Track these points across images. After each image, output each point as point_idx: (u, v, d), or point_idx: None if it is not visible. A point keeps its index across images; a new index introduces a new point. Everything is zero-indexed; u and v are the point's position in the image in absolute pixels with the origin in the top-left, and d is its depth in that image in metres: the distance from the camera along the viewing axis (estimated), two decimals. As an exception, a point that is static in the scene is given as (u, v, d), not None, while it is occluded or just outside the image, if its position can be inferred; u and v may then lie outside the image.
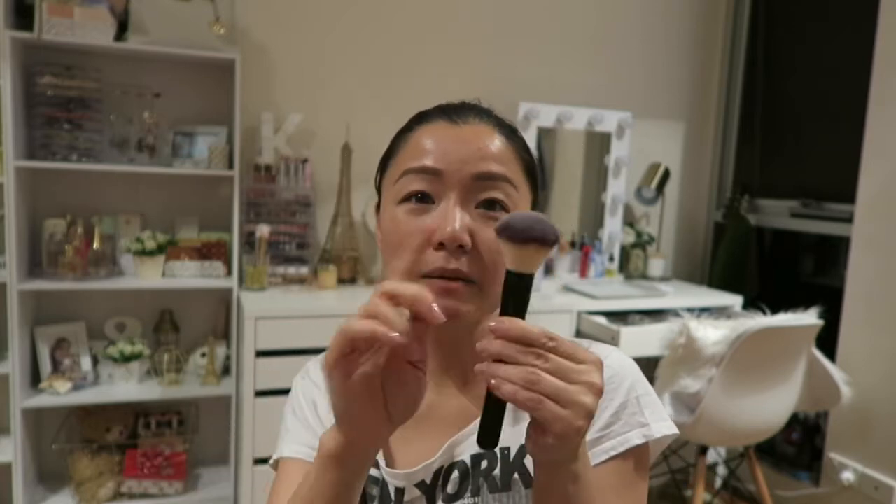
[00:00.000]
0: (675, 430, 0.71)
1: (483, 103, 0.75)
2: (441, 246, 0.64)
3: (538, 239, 0.54)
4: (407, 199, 0.67)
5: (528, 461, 0.69)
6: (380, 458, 0.71)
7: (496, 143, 0.68)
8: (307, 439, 0.73)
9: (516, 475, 0.69)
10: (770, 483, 2.43)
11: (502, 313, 0.55)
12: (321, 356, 0.76)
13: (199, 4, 2.21)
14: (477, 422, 0.65)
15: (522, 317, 0.54)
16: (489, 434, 0.55)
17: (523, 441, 0.67)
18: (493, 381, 0.51)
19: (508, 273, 0.55)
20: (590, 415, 0.51)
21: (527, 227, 0.54)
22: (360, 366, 0.52)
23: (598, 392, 0.52)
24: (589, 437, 0.69)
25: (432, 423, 0.72)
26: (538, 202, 0.75)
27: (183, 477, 2.31)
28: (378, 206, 0.76)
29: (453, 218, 0.64)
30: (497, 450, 0.69)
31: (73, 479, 2.24)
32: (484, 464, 0.69)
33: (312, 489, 0.58)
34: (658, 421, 0.71)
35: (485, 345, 0.52)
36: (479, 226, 0.65)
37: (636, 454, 0.69)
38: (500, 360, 0.52)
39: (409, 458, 0.71)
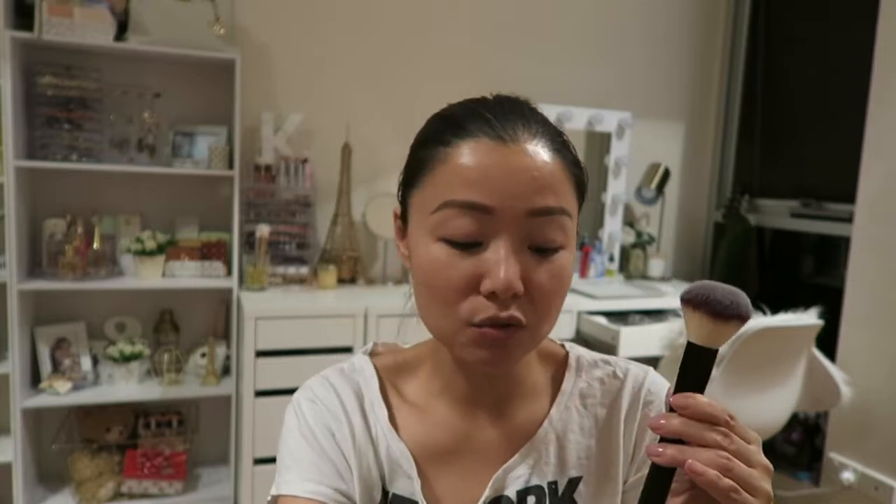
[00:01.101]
0: None
1: (517, 95, 0.66)
2: (492, 294, 0.57)
3: (743, 316, 0.50)
4: (450, 239, 0.58)
5: (578, 495, 0.67)
6: (420, 498, 0.64)
7: (550, 166, 0.59)
8: (326, 476, 0.63)
9: None
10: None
11: (679, 388, 0.50)
12: (324, 375, 0.70)
13: (199, 4, 2.21)
14: (519, 455, 0.66)
15: (702, 392, 0.50)
16: None
17: (572, 475, 0.67)
18: (693, 466, 0.47)
19: (692, 346, 0.51)
20: (769, 502, 0.49)
21: (731, 304, 0.49)
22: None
23: (771, 473, 0.50)
24: (635, 477, 0.68)
25: (470, 456, 0.67)
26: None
27: (183, 477, 2.31)
28: (402, 219, 0.67)
29: (507, 266, 0.57)
30: (545, 484, 0.66)
31: (73, 479, 2.24)
32: (531, 500, 0.66)
33: None
34: None
35: (662, 422, 0.49)
36: (532, 268, 0.58)
37: None
38: (678, 439, 0.49)
39: (452, 496, 0.66)
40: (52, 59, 2.17)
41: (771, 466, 0.50)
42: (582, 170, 0.64)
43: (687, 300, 0.51)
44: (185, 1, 2.20)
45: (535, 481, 0.66)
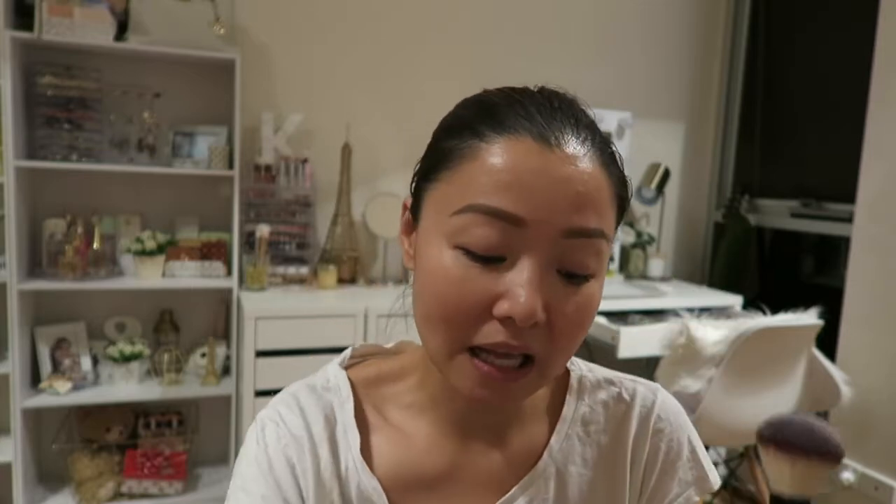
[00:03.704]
0: (719, 480, 0.66)
1: (565, 91, 0.57)
2: (508, 319, 0.49)
3: (826, 453, 0.42)
4: (469, 249, 0.50)
5: None
6: None
7: (596, 181, 0.51)
8: None
9: None
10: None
11: None
12: (293, 393, 0.61)
13: (199, 4, 2.21)
14: (515, 491, 0.59)
15: None
16: None
17: None
18: None
19: (776, 500, 0.43)
20: None
21: (812, 440, 0.41)
22: None
23: None
24: None
25: (458, 488, 0.59)
26: None
27: (183, 477, 2.31)
28: (412, 212, 0.58)
29: (531, 290, 0.49)
30: None
31: (73, 479, 2.24)
32: None
33: None
34: (712, 470, 0.65)
35: None
36: (558, 296, 0.50)
37: None
38: None
39: None
40: (52, 59, 2.17)
41: None
42: (627, 189, 0.56)
43: (762, 437, 0.43)
44: (185, 1, 2.20)
45: None
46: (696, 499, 0.63)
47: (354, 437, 0.58)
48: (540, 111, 0.51)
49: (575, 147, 0.51)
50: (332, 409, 0.59)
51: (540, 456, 0.61)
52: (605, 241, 0.52)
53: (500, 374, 0.50)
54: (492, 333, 0.50)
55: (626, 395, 0.64)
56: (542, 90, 0.55)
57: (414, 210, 0.57)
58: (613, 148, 0.55)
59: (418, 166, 0.57)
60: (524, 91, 0.54)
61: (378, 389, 0.62)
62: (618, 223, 0.56)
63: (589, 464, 0.61)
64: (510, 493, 0.59)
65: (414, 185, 0.58)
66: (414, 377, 0.61)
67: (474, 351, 0.51)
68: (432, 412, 0.60)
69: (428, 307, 0.52)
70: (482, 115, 0.53)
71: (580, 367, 0.66)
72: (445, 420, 0.60)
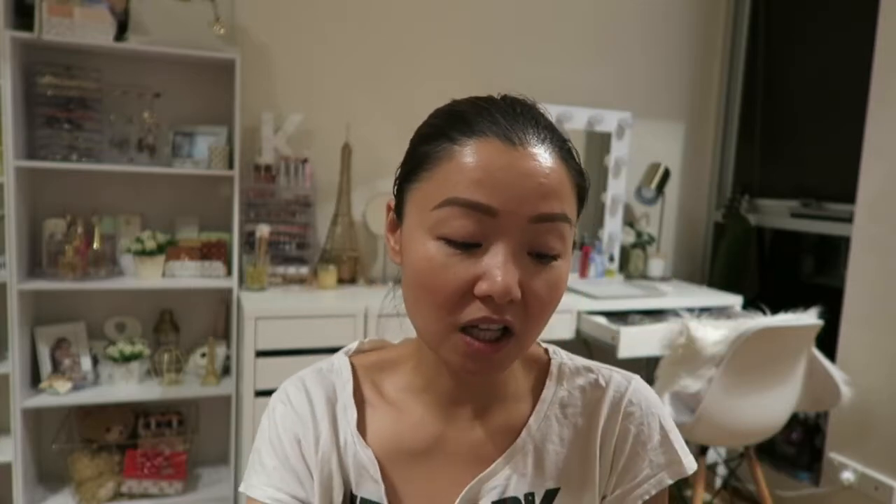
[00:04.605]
0: (695, 465, 0.70)
1: (526, 97, 0.65)
2: (488, 298, 0.57)
3: None
4: (449, 238, 0.57)
5: None
6: (384, 501, 0.64)
7: (557, 173, 0.59)
8: (287, 483, 0.65)
9: None
10: (770, 483, 2.43)
11: None
12: (301, 376, 0.70)
13: (199, 4, 2.21)
14: (496, 465, 0.65)
15: None
16: None
17: (549, 486, 0.66)
18: None
19: None
20: None
21: None
22: None
23: None
24: (620, 489, 0.67)
25: (442, 459, 0.66)
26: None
27: (183, 477, 2.31)
28: (396, 212, 0.65)
29: (506, 270, 0.56)
30: (521, 496, 0.65)
31: (73, 479, 2.24)
32: None
33: None
34: (686, 455, 0.69)
35: None
36: (529, 276, 0.58)
37: (665, 491, 0.68)
38: None
39: (420, 499, 0.65)
40: (52, 59, 2.17)
41: None
42: (585, 178, 0.64)
43: None
44: (185, 1, 2.20)
45: (511, 492, 0.65)
46: (669, 481, 0.66)
47: (352, 414, 0.67)
48: (504, 116, 0.59)
49: (536, 144, 0.58)
50: (333, 390, 0.68)
51: (519, 433, 0.67)
52: (568, 224, 0.60)
53: (486, 347, 0.58)
54: (474, 311, 0.57)
55: (602, 382, 0.70)
56: (504, 97, 0.63)
57: (398, 210, 0.64)
58: (570, 144, 0.63)
59: (399, 171, 0.64)
60: (489, 99, 0.62)
61: (378, 374, 0.70)
62: (580, 210, 0.64)
63: (565, 442, 0.67)
64: (490, 467, 0.65)
65: (396, 187, 0.65)
66: (410, 363, 0.69)
67: (465, 330, 0.58)
68: (425, 394, 0.67)
69: (417, 294, 0.60)
70: (453, 121, 0.60)
71: (561, 356, 0.73)
72: (435, 400, 0.67)
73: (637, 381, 0.71)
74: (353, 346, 0.74)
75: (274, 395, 0.70)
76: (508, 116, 0.59)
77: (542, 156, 0.58)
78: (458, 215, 0.57)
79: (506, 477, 0.65)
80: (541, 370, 0.71)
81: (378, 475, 0.64)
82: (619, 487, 0.67)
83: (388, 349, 0.73)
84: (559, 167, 0.59)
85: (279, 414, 0.68)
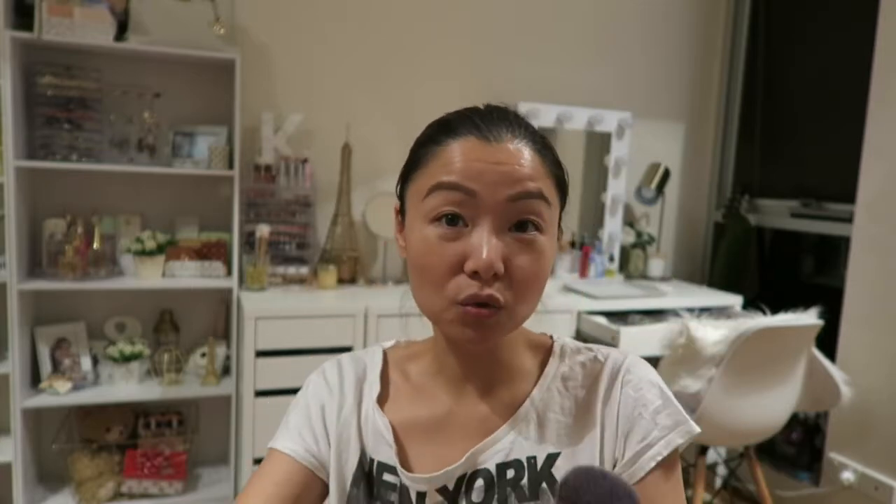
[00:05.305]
0: (699, 428, 0.72)
1: (506, 105, 0.73)
2: (475, 274, 0.63)
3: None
4: (438, 219, 0.65)
5: (556, 470, 0.69)
6: (395, 463, 0.71)
7: (530, 160, 0.66)
8: (305, 440, 0.74)
9: (544, 484, 0.69)
10: (770, 483, 2.43)
11: None
12: (339, 358, 0.80)
13: (199, 4, 2.21)
14: (500, 431, 0.71)
15: None
16: None
17: (550, 450, 0.70)
18: None
19: None
20: None
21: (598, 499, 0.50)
22: None
23: None
24: (631, 452, 0.69)
25: (452, 430, 0.72)
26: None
27: (183, 477, 2.31)
28: (401, 215, 0.74)
29: (489, 246, 0.63)
30: (524, 458, 0.70)
31: (73, 479, 2.24)
32: (510, 473, 0.70)
33: None
34: (689, 419, 0.72)
35: None
36: (512, 251, 0.64)
37: (676, 453, 0.70)
38: None
39: (429, 463, 0.71)
40: (52, 59, 2.17)
41: None
42: (562, 169, 0.71)
43: (558, 496, 0.52)
44: (185, 1, 2.20)
45: (514, 455, 0.70)
46: (680, 440, 0.69)
47: (376, 389, 0.76)
48: (482, 119, 0.68)
49: (510, 140, 0.66)
50: (363, 370, 0.79)
51: (523, 404, 0.73)
52: (546, 202, 0.66)
53: (477, 310, 0.64)
54: (465, 288, 0.64)
55: (600, 357, 0.76)
56: (486, 106, 0.71)
57: (402, 211, 0.73)
58: (547, 141, 0.71)
59: (399, 176, 0.73)
60: (473, 108, 0.71)
61: (406, 363, 0.79)
62: (563, 200, 0.71)
63: (567, 412, 0.73)
64: (495, 432, 0.71)
65: (398, 191, 0.74)
66: (431, 353, 0.77)
67: (461, 304, 0.65)
68: (439, 375, 0.75)
69: (418, 275, 0.67)
70: (441, 129, 0.69)
71: (565, 340, 0.80)
72: (447, 380, 0.74)
73: (633, 356, 0.76)
74: (391, 343, 0.83)
75: (317, 369, 0.80)
76: (486, 119, 0.68)
77: (516, 148, 0.66)
78: (444, 198, 0.65)
79: (510, 441, 0.70)
80: (545, 352, 0.78)
81: (391, 439, 0.72)
82: (629, 450, 0.69)
83: (417, 344, 0.82)
84: (533, 156, 0.67)
85: (312, 384, 0.78)
